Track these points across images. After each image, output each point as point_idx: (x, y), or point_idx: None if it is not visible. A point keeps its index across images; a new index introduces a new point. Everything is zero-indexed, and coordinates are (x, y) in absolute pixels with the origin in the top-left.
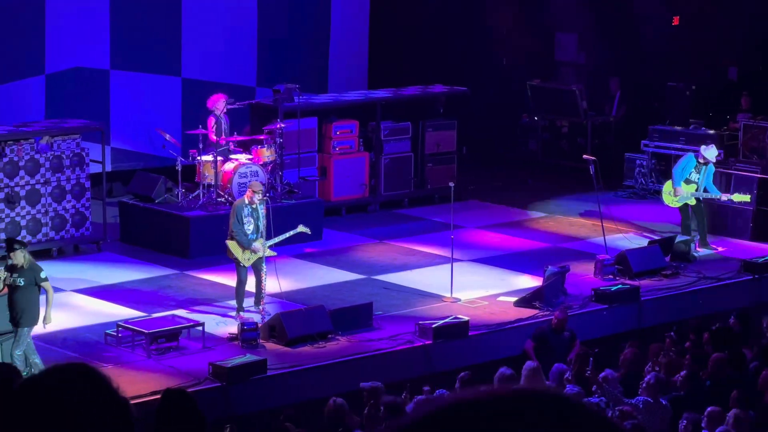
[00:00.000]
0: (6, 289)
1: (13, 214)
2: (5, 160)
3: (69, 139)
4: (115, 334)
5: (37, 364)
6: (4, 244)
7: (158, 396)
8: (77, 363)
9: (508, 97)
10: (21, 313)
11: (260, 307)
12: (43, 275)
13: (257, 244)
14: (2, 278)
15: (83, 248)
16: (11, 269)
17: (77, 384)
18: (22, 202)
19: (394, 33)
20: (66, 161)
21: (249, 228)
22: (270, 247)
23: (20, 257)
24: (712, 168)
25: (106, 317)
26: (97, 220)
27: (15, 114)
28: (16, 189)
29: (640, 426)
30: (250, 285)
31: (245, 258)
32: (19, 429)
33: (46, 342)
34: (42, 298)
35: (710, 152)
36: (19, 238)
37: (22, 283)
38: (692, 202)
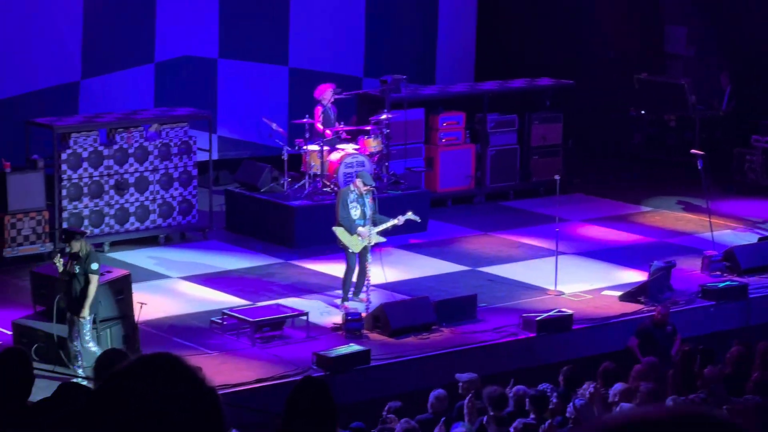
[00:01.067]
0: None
1: (122, 201)
2: (115, 147)
3: (177, 127)
4: (220, 321)
5: (88, 350)
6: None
7: (262, 384)
8: (163, 353)
9: (614, 90)
10: (79, 302)
11: (360, 295)
12: (93, 267)
13: (363, 230)
14: (57, 265)
15: (189, 236)
16: (73, 257)
17: (163, 374)
18: (131, 189)
19: (501, 25)
20: (174, 149)
21: (355, 214)
22: (378, 233)
23: (77, 246)
24: None
25: (211, 305)
26: (204, 208)
27: (125, 102)
28: (126, 176)
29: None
30: (356, 275)
31: (353, 243)
32: (105, 420)
33: (153, 328)
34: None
35: None
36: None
37: (77, 271)
38: None
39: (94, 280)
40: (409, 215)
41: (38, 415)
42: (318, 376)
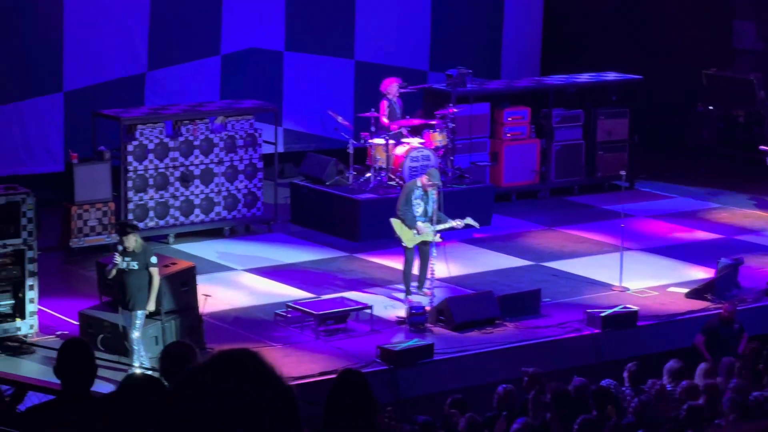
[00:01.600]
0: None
1: (187, 193)
2: (181, 139)
3: (243, 119)
4: (284, 314)
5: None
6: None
7: (326, 377)
8: (243, 349)
9: (682, 85)
10: (133, 297)
11: (424, 291)
12: (153, 260)
13: (422, 226)
14: (118, 261)
15: (254, 228)
16: (124, 253)
17: (242, 371)
18: (196, 181)
19: (567, 19)
20: (239, 141)
21: (418, 210)
22: (436, 233)
23: (132, 241)
24: None
25: (275, 297)
26: (269, 201)
27: (191, 94)
28: (191, 168)
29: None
30: (416, 269)
31: (408, 239)
32: (184, 416)
33: (218, 320)
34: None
35: None
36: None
37: (136, 267)
38: None
39: (156, 272)
40: (468, 221)
41: (108, 408)
42: (357, 370)
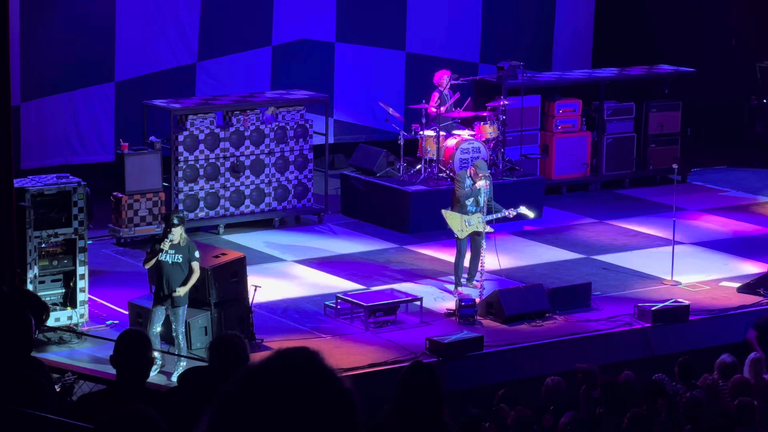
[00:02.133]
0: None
1: (237, 184)
2: (231, 129)
3: (293, 110)
4: (333, 305)
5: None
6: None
7: (375, 369)
8: (303, 348)
9: (736, 78)
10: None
11: (474, 283)
12: (197, 254)
13: (472, 219)
14: (164, 249)
15: (304, 219)
16: (170, 245)
17: (302, 370)
18: (247, 172)
19: (620, 11)
20: (290, 132)
21: (469, 202)
22: (488, 223)
23: (178, 234)
24: None
25: (325, 289)
26: (319, 192)
27: (242, 84)
28: (241, 159)
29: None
30: (467, 261)
31: (459, 230)
32: (244, 414)
33: (267, 311)
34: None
35: None
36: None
37: (180, 260)
38: None
39: (198, 267)
40: (522, 209)
41: (164, 401)
42: (427, 361)
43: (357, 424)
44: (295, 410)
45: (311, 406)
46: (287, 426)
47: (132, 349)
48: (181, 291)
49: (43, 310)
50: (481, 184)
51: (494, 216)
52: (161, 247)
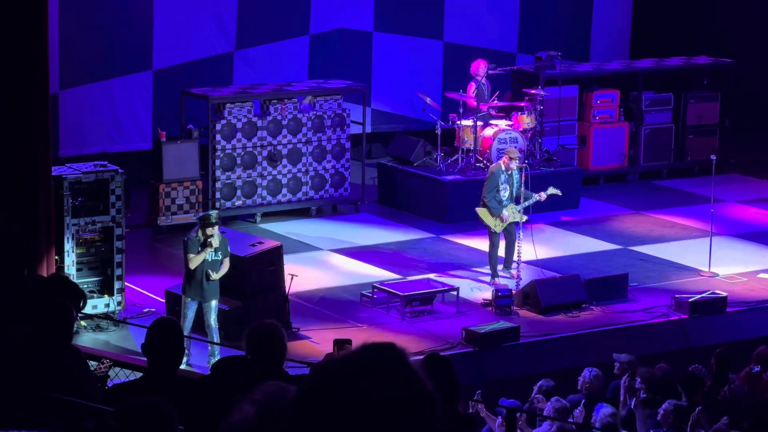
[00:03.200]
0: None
1: (274, 172)
2: (269, 118)
3: (331, 99)
4: (370, 295)
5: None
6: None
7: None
8: (389, 345)
9: None
10: (212, 287)
11: (510, 272)
12: (229, 250)
13: (506, 212)
14: (214, 246)
15: (341, 208)
16: (206, 244)
17: (385, 368)
18: (284, 161)
19: (658, 2)
20: (327, 121)
21: (504, 194)
22: (521, 211)
23: (217, 233)
24: None
25: (361, 278)
26: (356, 181)
27: (279, 73)
28: (279, 147)
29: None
30: (502, 250)
31: (495, 224)
32: (323, 409)
33: (304, 300)
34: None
35: None
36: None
37: (220, 257)
38: None
39: (228, 264)
40: (551, 190)
41: (197, 389)
42: (442, 354)
43: (436, 426)
44: (376, 408)
45: (393, 404)
46: (365, 423)
47: (164, 337)
48: (215, 276)
49: (80, 297)
50: (516, 172)
51: (527, 203)
52: (211, 245)
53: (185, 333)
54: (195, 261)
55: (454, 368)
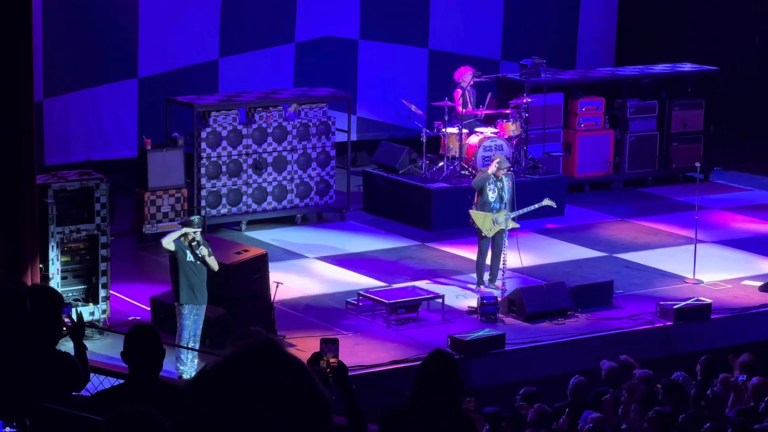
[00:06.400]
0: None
1: (260, 180)
2: (254, 126)
3: (316, 107)
4: (355, 302)
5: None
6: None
7: (396, 366)
8: (266, 340)
9: (759, 76)
10: (199, 289)
11: (496, 282)
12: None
13: (499, 216)
14: (200, 251)
15: (326, 216)
16: (193, 244)
17: (266, 361)
18: (269, 168)
19: (643, 9)
20: (312, 129)
21: (492, 196)
22: (513, 219)
23: (195, 234)
24: None
25: (347, 286)
26: (341, 189)
27: (264, 81)
28: (264, 155)
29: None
30: (489, 260)
31: (487, 228)
32: (211, 411)
33: (289, 307)
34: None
35: None
36: (263, 205)
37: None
38: None
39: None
40: (546, 202)
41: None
42: (448, 351)
43: (327, 415)
44: (262, 405)
45: (279, 399)
46: (255, 420)
47: (141, 343)
48: (206, 251)
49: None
50: (502, 173)
51: (522, 211)
52: (201, 248)
53: (183, 343)
54: (168, 242)
55: (457, 365)
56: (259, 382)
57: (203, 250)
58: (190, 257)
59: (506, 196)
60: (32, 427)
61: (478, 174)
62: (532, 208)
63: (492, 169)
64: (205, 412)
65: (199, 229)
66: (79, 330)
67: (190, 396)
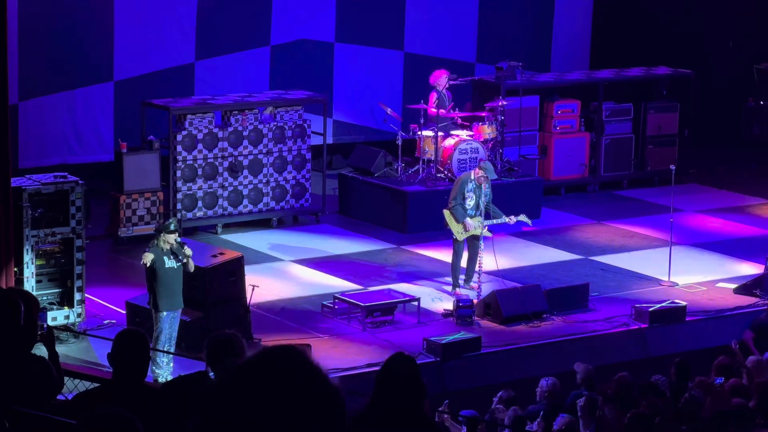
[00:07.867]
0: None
1: (235, 183)
2: (230, 129)
3: (292, 110)
4: (331, 305)
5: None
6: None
7: (372, 369)
8: (290, 346)
9: (733, 80)
10: (180, 296)
11: (471, 284)
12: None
13: (473, 222)
14: (187, 251)
15: (302, 219)
16: (175, 248)
17: (288, 368)
18: (245, 172)
19: (618, 13)
20: (288, 132)
21: (470, 203)
22: (485, 226)
23: (173, 239)
24: None
25: (322, 288)
26: (317, 192)
27: (240, 84)
28: (240, 158)
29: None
30: (464, 262)
31: (458, 231)
32: (231, 411)
33: (265, 310)
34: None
35: None
36: (242, 208)
37: (178, 264)
38: None
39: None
40: (522, 217)
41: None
42: (408, 354)
43: (343, 422)
44: (282, 408)
45: (298, 403)
46: (274, 424)
47: (130, 348)
48: (189, 251)
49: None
50: (482, 180)
51: (495, 221)
52: (186, 248)
53: (163, 348)
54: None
55: (418, 368)
56: (278, 386)
57: (188, 250)
58: (169, 263)
59: (482, 203)
60: (11, 430)
61: (457, 180)
62: (506, 220)
63: (479, 173)
64: (223, 415)
65: (177, 233)
66: (50, 336)
67: (209, 399)
